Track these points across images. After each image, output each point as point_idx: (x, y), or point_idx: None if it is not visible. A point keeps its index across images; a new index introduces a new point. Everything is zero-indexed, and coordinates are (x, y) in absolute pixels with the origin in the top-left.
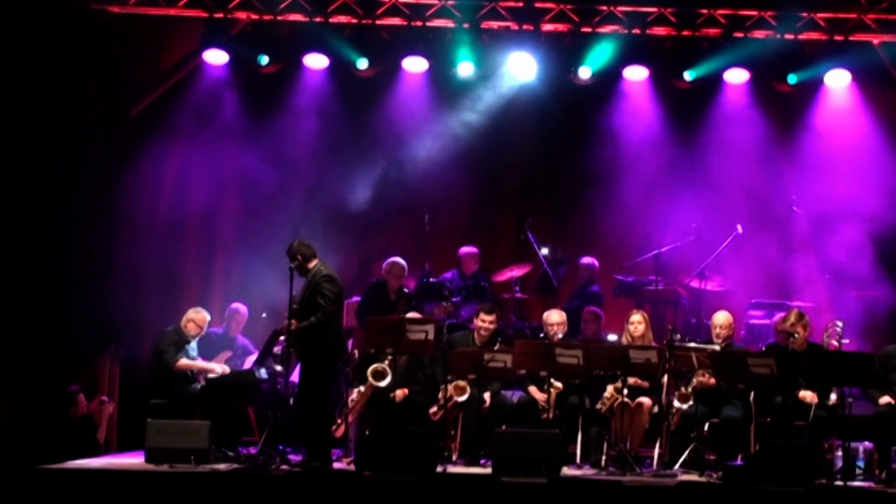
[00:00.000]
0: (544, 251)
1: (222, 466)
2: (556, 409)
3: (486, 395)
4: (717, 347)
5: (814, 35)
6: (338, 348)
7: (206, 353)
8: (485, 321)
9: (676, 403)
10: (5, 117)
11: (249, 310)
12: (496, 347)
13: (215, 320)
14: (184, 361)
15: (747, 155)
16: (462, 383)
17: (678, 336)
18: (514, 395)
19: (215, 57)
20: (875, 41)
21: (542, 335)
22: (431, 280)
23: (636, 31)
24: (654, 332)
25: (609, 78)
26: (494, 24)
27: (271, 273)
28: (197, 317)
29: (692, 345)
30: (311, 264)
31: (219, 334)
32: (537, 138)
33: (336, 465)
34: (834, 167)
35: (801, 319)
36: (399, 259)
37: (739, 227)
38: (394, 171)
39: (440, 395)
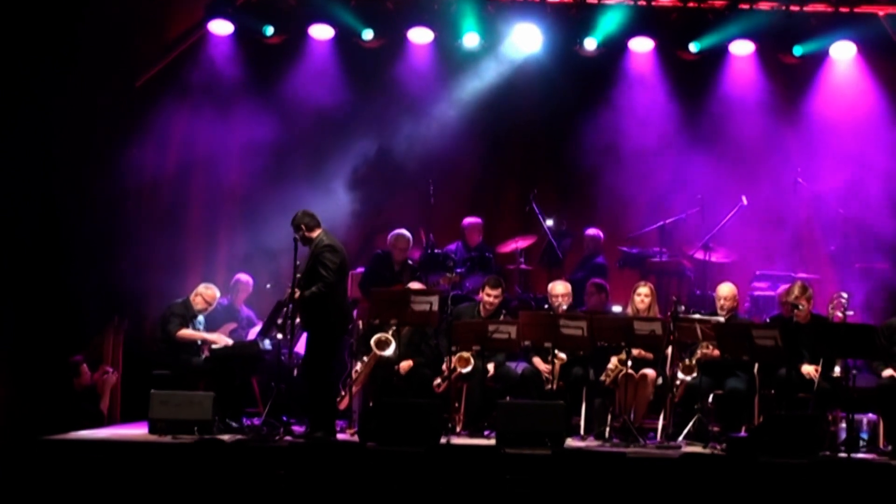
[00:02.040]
0: (549, 222)
1: (226, 437)
2: (560, 381)
3: (490, 367)
4: (722, 319)
5: (819, 7)
6: (342, 318)
7: (211, 324)
8: (490, 295)
9: (680, 375)
10: (9, 87)
11: (254, 281)
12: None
13: (220, 291)
14: (185, 331)
15: (752, 127)
16: (466, 355)
17: (682, 308)
18: (518, 367)
19: (220, 27)
20: (880, 13)
21: (546, 306)
22: (436, 251)
23: (642, 2)
24: (658, 304)
25: (615, 49)
26: None
27: (275, 244)
28: (206, 292)
29: (696, 316)
30: (314, 234)
31: (224, 305)
32: (543, 110)
33: (340, 437)
34: (839, 139)
35: (805, 292)
36: (404, 231)
37: (744, 199)
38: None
39: (444, 366)
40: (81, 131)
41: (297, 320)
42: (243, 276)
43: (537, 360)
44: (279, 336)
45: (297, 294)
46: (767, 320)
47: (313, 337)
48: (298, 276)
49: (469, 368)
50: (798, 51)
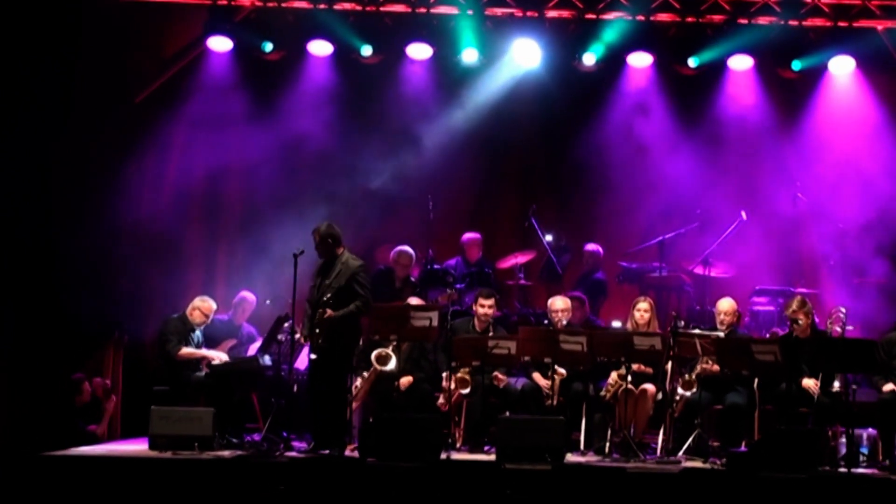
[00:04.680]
0: (548, 238)
1: (226, 453)
2: (559, 396)
3: (499, 375)
4: (721, 334)
5: (818, 21)
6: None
7: (211, 340)
8: (484, 306)
9: (680, 390)
10: (9, 104)
11: (257, 298)
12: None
13: (219, 307)
14: (185, 350)
15: (751, 141)
16: (463, 375)
17: (682, 323)
18: (518, 382)
19: (219, 44)
20: (879, 27)
21: (546, 322)
22: (435, 267)
23: (640, 17)
24: (658, 319)
25: (613, 64)
26: (499, 11)
27: (275, 260)
28: (203, 305)
29: (696, 331)
30: (339, 250)
31: (224, 321)
32: (541, 125)
33: None
34: (838, 154)
35: (804, 307)
36: (407, 248)
37: (743, 214)
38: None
39: (444, 384)
40: (80, 147)
41: (297, 336)
42: (249, 295)
43: (537, 376)
44: (301, 336)
45: (328, 313)
46: (767, 336)
47: (340, 354)
48: (328, 295)
49: (468, 390)
50: (797, 65)
